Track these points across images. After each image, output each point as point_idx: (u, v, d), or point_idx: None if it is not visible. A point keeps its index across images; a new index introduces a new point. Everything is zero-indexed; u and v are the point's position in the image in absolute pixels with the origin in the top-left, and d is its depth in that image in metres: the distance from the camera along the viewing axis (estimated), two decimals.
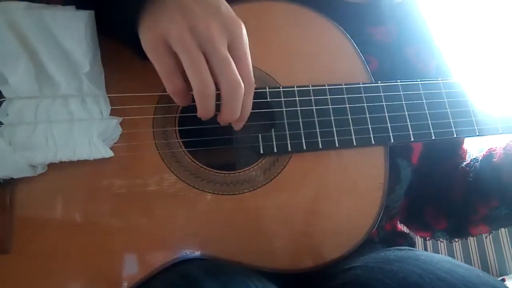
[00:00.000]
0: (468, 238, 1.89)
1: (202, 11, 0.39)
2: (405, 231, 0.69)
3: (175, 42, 0.39)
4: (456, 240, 0.67)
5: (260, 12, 0.42)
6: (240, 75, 0.40)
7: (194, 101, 0.42)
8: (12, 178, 0.42)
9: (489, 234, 0.63)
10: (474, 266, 0.41)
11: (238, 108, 0.42)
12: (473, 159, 0.65)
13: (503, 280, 1.73)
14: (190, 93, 0.42)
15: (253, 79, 0.42)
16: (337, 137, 0.50)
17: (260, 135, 0.49)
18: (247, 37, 0.42)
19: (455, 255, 1.83)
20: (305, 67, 0.53)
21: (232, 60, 0.40)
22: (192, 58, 0.39)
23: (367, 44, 0.59)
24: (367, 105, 0.52)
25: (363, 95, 0.52)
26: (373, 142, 0.51)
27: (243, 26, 0.41)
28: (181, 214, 0.46)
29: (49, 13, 0.41)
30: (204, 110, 0.41)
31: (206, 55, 0.39)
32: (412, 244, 0.66)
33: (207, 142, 0.48)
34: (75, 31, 0.42)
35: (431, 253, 0.48)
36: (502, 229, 1.81)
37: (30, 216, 0.43)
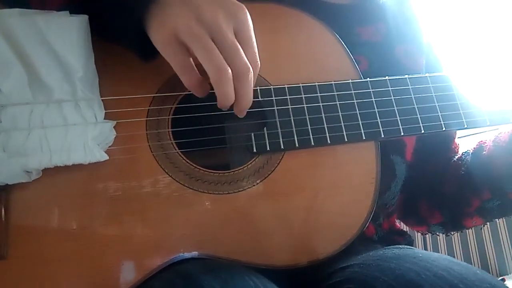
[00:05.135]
0: (468, 238, 1.88)
1: (205, 1, 0.41)
2: (403, 229, 0.69)
3: (185, 34, 0.40)
4: (452, 233, 0.68)
5: (250, 14, 0.43)
6: (246, 58, 0.41)
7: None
8: (7, 184, 0.42)
9: (484, 226, 0.64)
10: (474, 266, 0.42)
11: (250, 91, 0.43)
12: (464, 152, 0.65)
13: (503, 280, 1.71)
14: (207, 83, 0.43)
15: (259, 61, 0.44)
16: (328, 133, 0.51)
17: (253, 134, 0.50)
18: (251, 21, 0.43)
19: (455, 255, 1.82)
20: (295, 67, 0.54)
21: (239, 46, 0.41)
22: (204, 46, 0.40)
23: (356, 44, 0.60)
24: (356, 101, 0.53)
25: (353, 91, 0.53)
26: (364, 138, 0.52)
27: (246, 10, 0.43)
28: (177, 214, 0.46)
29: (42, 19, 0.42)
30: (224, 97, 0.42)
31: (215, 43, 0.40)
32: (410, 242, 0.66)
33: (201, 143, 0.48)
34: (68, 36, 0.42)
35: (429, 251, 0.49)
36: (502, 229, 1.81)
37: (26, 222, 0.43)
